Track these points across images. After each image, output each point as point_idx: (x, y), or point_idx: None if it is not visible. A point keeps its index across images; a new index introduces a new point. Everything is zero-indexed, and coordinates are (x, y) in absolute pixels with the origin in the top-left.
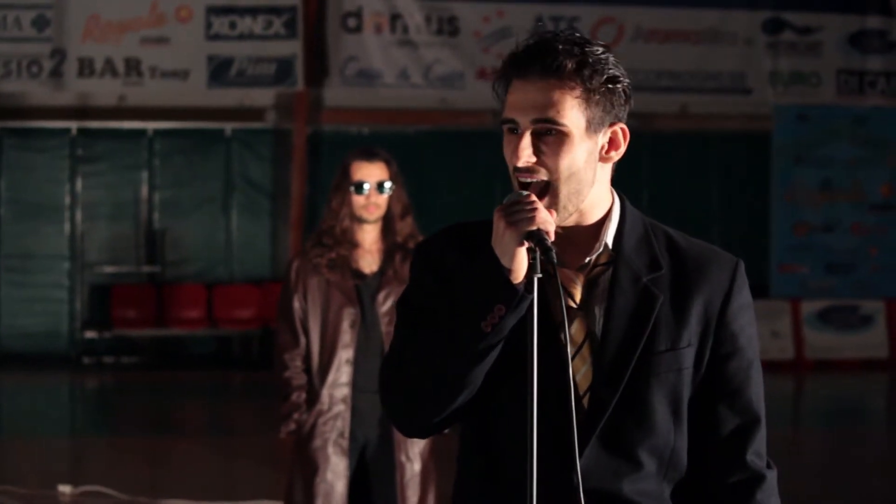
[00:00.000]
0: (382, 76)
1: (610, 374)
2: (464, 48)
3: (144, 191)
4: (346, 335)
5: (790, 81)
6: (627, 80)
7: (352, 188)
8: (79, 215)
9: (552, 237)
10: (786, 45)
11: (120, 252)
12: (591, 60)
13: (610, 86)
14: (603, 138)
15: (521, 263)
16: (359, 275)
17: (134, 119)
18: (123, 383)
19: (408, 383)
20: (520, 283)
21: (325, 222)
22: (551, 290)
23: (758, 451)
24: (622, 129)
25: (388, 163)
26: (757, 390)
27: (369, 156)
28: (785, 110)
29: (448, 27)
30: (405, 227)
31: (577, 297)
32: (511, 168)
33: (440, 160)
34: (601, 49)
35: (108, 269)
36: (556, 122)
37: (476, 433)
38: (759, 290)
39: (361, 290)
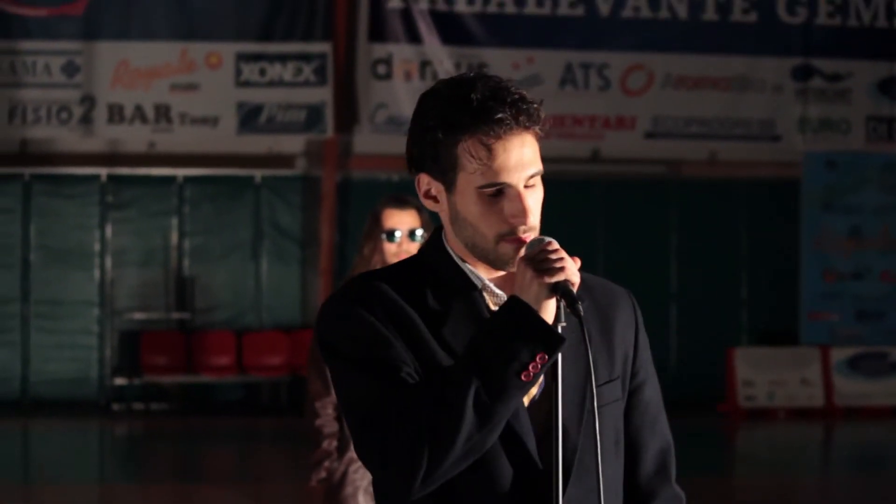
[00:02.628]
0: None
1: (571, 409)
2: None
3: (174, 237)
4: None
5: (819, 128)
6: None
7: (383, 236)
8: (108, 262)
9: (576, 287)
10: (815, 91)
11: (149, 298)
12: (529, 97)
13: None
14: None
15: (547, 314)
16: None
17: (163, 165)
18: (152, 430)
19: (418, 443)
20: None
21: (357, 269)
22: None
23: (674, 474)
24: None
25: (419, 210)
26: (664, 414)
27: (401, 203)
28: (814, 157)
29: None
30: None
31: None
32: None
33: None
34: (510, 81)
35: (138, 316)
36: (539, 173)
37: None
38: (789, 338)
39: None
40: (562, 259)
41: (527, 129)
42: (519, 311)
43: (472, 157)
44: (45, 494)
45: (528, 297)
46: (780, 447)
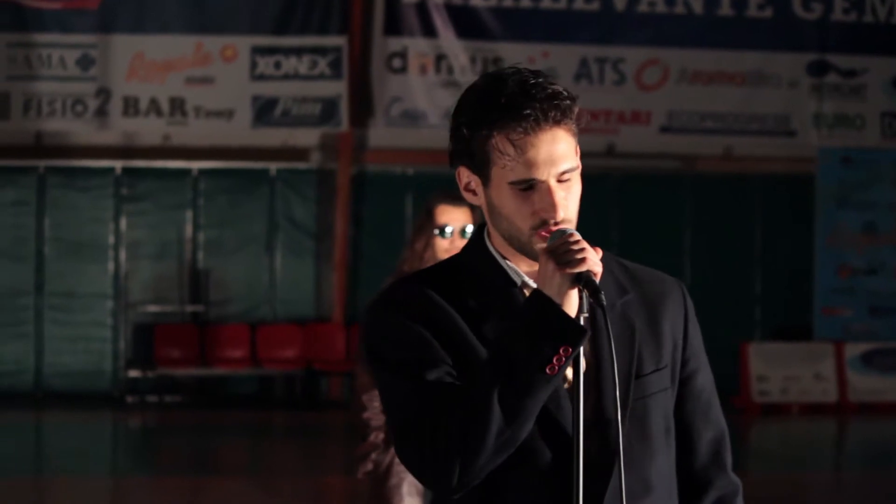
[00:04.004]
0: (427, 117)
1: (614, 399)
2: None
3: (188, 230)
4: None
5: (834, 124)
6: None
7: (436, 231)
8: (123, 254)
9: (599, 278)
10: (830, 87)
11: (163, 291)
12: (566, 94)
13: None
14: None
15: (570, 306)
16: None
17: (178, 158)
18: (166, 422)
19: (454, 441)
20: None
21: (407, 262)
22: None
23: (730, 462)
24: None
25: (472, 208)
26: (718, 402)
27: (454, 200)
28: (829, 153)
29: (493, 68)
30: None
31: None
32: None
33: None
34: (546, 75)
35: (152, 309)
36: (573, 169)
37: (481, 491)
38: (803, 333)
39: None
40: (583, 250)
41: (557, 124)
42: (541, 305)
43: (502, 153)
44: (58, 486)
45: (550, 289)
46: (793, 442)
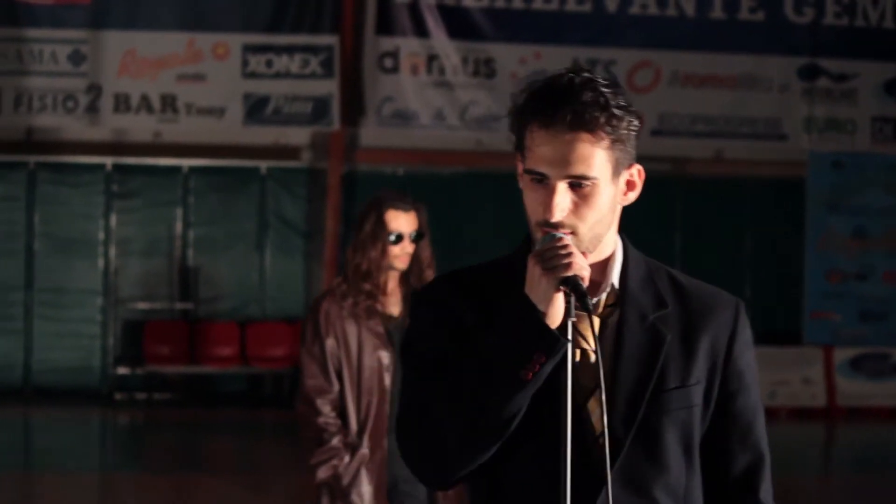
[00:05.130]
0: (418, 117)
1: (624, 413)
2: (500, 90)
3: (178, 227)
4: (384, 379)
5: (825, 128)
6: (640, 118)
7: (390, 238)
8: (112, 251)
9: (587, 282)
10: (821, 91)
11: (153, 288)
12: (615, 109)
13: (630, 128)
14: (622, 181)
15: (556, 310)
16: (387, 318)
17: (169, 156)
18: (155, 420)
19: (435, 437)
20: (556, 328)
21: (363, 269)
22: (575, 335)
23: (767, 490)
24: (638, 171)
25: (419, 211)
26: (762, 428)
27: (404, 205)
28: (820, 157)
29: (485, 69)
30: (432, 274)
31: (591, 339)
32: (536, 219)
33: (475, 202)
34: (615, 89)
35: (141, 306)
36: (587, 178)
37: (490, 480)
38: (792, 337)
39: (392, 333)
40: (570, 255)
41: (580, 131)
42: (521, 311)
43: (527, 142)
44: (46, 483)
45: (536, 293)
46: (781, 447)
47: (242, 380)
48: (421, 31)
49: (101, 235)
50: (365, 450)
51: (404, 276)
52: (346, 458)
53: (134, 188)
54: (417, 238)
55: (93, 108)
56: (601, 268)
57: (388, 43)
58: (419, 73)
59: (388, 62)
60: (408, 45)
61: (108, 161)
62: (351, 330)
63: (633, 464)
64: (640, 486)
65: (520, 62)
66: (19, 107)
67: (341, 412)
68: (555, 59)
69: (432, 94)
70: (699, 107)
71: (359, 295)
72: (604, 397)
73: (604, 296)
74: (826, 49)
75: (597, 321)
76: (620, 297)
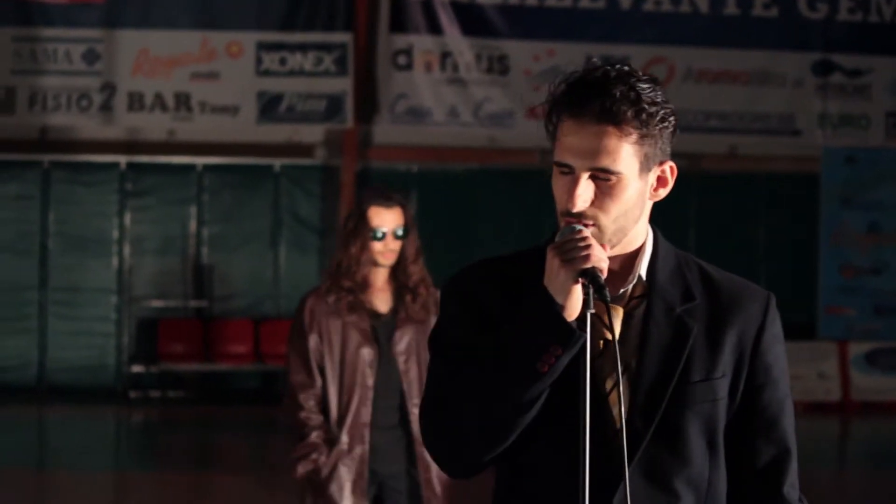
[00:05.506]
0: (432, 114)
1: (645, 405)
2: (513, 87)
3: (193, 226)
4: (366, 375)
5: (839, 124)
6: (675, 115)
7: (371, 234)
8: (127, 249)
9: (605, 274)
10: (835, 87)
11: (167, 287)
12: (646, 104)
13: (663, 125)
14: (652, 177)
15: (575, 301)
16: (374, 315)
17: (183, 154)
18: (169, 418)
19: (455, 425)
20: (574, 321)
21: (343, 266)
22: (595, 327)
23: (793, 483)
24: (671, 168)
25: (404, 207)
26: (790, 422)
27: (387, 202)
28: (833, 152)
29: (498, 66)
30: (417, 270)
31: (616, 330)
32: (560, 209)
33: (488, 198)
34: (652, 86)
35: (156, 304)
36: (611, 171)
37: (512, 470)
38: (806, 332)
39: (378, 330)
40: (588, 247)
41: (607, 123)
42: (539, 302)
43: (554, 132)
44: (60, 481)
45: (554, 285)
46: (796, 441)
47: (257, 377)
48: (434, 28)
49: (116, 234)
50: (343, 445)
51: (393, 273)
52: (325, 454)
53: (148, 186)
54: (402, 234)
55: (107, 107)
56: (629, 259)
57: (401, 40)
58: (433, 70)
59: (402, 59)
60: (421, 43)
61: (123, 160)
62: (335, 326)
63: (654, 457)
64: (661, 479)
65: (533, 59)
66: (34, 106)
67: (323, 407)
68: (568, 55)
69: (446, 91)
70: (713, 103)
71: (340, 291)
72: (620, 389)
73: (630, 287)
74: (840, 44)
75: (619, 314)
76: (648, 288)
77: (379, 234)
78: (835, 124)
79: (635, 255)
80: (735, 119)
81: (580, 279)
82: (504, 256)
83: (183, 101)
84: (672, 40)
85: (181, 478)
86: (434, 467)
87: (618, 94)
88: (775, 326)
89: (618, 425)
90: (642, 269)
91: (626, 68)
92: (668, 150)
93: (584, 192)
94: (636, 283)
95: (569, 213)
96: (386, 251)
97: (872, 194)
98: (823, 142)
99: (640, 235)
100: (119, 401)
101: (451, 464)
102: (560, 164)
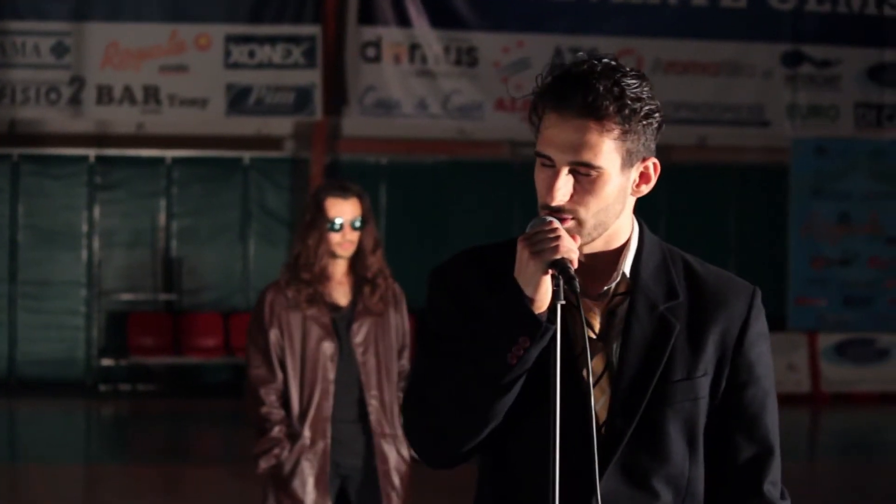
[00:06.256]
0: (401, 106)
1: (626, 403)
2: (482, 78)
3: (162, 219)
4: (327, 369)
5: (808, 114)
6: (660, 111)
7: (328, 225)
8: (96, 242)
9: (576, 265)
10: (804, 77)
11: (137, 280)
12: (629, 99)
13: (646, 122)
14: (635, 173)
15: (544, 293)
16: (334, 307)
17: (152, 147)
18: (139, 411)
19: (433, 415)
20: (542, 313)
21: (301, 258)
22: (572, 319)
23: (773, 481)
24: (654, 164)
25: (361, 198)
26: (773, 420)
27: (343, 192)
28: (803, 143)
29: (467, 57)
30: (375, 262)
31: (597, 327)
32: (540, 202)
33: (458, 190)
34: (637, 82)
35: (125, 297)
36: (592, 166)
37: (494, 461)
38: (776, 323)
39: (337, 322)
40: (557, 238)
41: (588, 118)
42: (508, 294)
43: (538, 124)
44: (31, 474)
45: (524, 276)
46: None
47: (227, 370)
48: (403, 20)
49: (85, 227)
50: (305, 440)
51: (352, 265)
52: (287, 448)
53: (117, 179)
54: (360, 225)
55: (76, 100)
56: (614, 256)
57: (370, 32)
58: (401, 62)
59: (371, 52)
60: (390, 35)
61: (92, 153)
62: (295, 320)
63: (633, 454)
64: (639, 476)
65: (502, 51)
66: (2, 99)
67: (285, 402)
68: (537, 47)
69: (415, 83)
70: (682, 94)
71: (300, 284)
72: (591, 382)
73: (614, 284)
74: (809, 35)
75: (597, 312)
76: (632, 285)
77: (336, 226)
78: (804, 115)
79: (620, 251)
80: (704, 110)
81: (550, 270)
82: (489, 245)
83: (152, 93)
84: (641, 31)
85: (152, 470)
86: (392, 459)
87: (601, 88)
88: (759, 323)
89: (601, 421)
90: (626, 266)
91: (613, 63)
92: (653, 146)
93: (564, 186)
94: (620, 280)
95: (548, 207)
96: (344, 242)
97: (842, 185)
98: (793, 133)
99: (625, 231)
100: (89, 394)
101: (431, 454)
102: (541, 156)
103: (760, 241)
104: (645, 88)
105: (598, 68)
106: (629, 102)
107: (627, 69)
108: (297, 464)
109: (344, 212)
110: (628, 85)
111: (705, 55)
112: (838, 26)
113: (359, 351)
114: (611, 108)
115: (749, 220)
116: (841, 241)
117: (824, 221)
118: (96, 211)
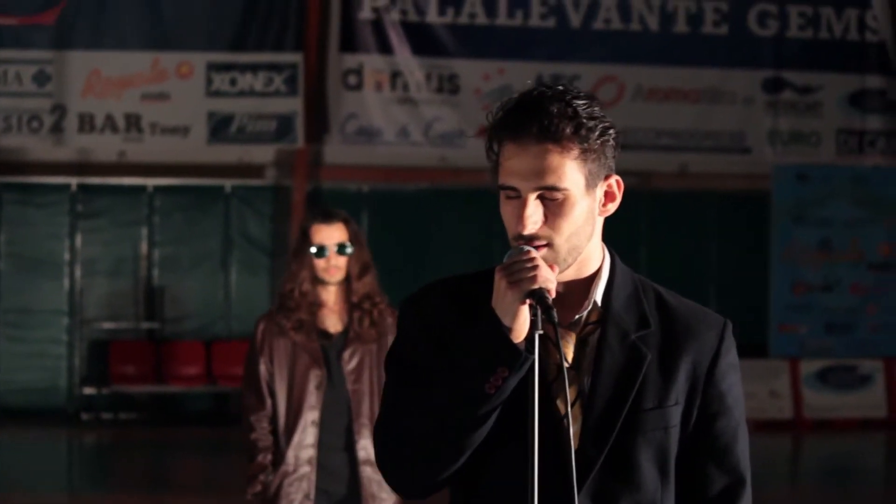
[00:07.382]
0: (382, 133)
1: (597, 431)
2: (464, 106)
3: (144, 247)
4: (313, 396)
5: (790, 141)
6: (615, 128)
7: (312, 250)
8: (78, 271)
9: (553, 294)
10: (785, 104)
11: (119, 308)
12: (584, 119)
13: (603, 139)
14: (600, 192)
15: (522, 323)
16: (325, 335)
17: (134, 175)
18: (121, 440)
19: (406, 445)
20: (521, 343)
21: (288, 286)
22: (544, 349)
23: None
24: (616, 181)
25: (346, 223)
26: (743, 449)
27: (327, 218)
28: (784, 170)
29: (448, 85)
30: (362, 286)
31: (570, 356)
32: (511, 234)
33: (440, 218)
34: (587, 102)
35: (107, 325)
36: (557, 189)
37: (466, 491)
38: (758, 350)
39: (327, 350)
40: (535, 267)
41: (547, 142)
42: (486, 324)
43: (496, 158)
44: (13, 503)
45: (501, 306)
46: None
47: (209, 398)
48: (384, 47)
49: (67, 255)
50: (288, 466)
51: (346, 292)
52: (272, 474)
53: (99, 208)
54: (343, 250)
55: (57, 129)
56: (585, 284)
57: (351, 60)
58: (383, 89)
59: (352, 79)
60: (371, 62)
61: (73, 181)
62: (283, 347)
63: (604, 482)
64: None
65: (483, 78)
66: None
67: (274, 428)
68: (519, 74)
69: (396, 110)
70: (663, 121)
71: (289, 312)
72: (569, 409)
73: (585, 313)
74: (790, 62)
75: (571, 339)
76: (603, 314)
77: (319, 251)
78: (785, 141)
79: (591, 279)
80: (685, 137)
81: (527, 300)
82: (462, 276)
83: (133, 122)
84: (622, 58)
85: (134, 499)
86: (377, 488)
87: (555, 111)
88: (730, 355)
89: (574, 448)
90: (598, 294)
91: (561, 87)
92: (612, 164)
93: (534, 213)
94: (591, 308)
95: (520, 237)
96: (329, 267)
97: (823, 211)
98: (774, 159)
99: (596, 259)
100: (71, 423)
101: (403, 484)
102: (505, 188)
103: (742, 267)
104: (596, 108)
105: (549, 93)
106: (584, 122)
107: (576, 91)
108: (279, 489)
109: (328, 237)
110: (580, 105)
111: (686, 82)
112: (820, 52)
113: (350, 378)
114: (567, 130)
115: (730, 246)
116: (822, 267)
117: (806, 248)
118: (78, 239)
